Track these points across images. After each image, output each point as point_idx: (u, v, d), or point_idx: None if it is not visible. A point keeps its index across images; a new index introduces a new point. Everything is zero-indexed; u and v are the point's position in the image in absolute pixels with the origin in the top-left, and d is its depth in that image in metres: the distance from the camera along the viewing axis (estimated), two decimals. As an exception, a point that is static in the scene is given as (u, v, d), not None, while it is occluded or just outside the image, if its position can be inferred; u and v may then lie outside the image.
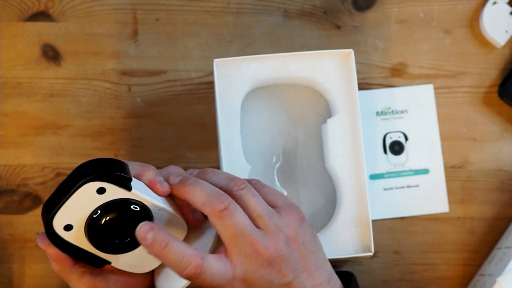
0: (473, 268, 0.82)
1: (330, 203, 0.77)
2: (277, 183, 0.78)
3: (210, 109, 0.82)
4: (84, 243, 0.61)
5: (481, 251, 0.82)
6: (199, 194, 0.61)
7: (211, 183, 0.62)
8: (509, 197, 0.83)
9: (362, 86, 0.83)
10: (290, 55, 0.74)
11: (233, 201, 0.61)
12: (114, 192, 0.60)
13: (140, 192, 0.61)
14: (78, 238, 0.61)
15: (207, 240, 0.65)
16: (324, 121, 0.75)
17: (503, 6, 0.83)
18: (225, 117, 0.73)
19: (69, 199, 0.59)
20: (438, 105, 0.83)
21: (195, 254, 0.59)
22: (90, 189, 0.59)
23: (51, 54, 0.82)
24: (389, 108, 0.83)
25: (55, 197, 0.60)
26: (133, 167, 0.63)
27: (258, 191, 0.64)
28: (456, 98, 0.84)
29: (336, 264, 0.79)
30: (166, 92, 0.82)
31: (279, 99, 0.78)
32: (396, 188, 0.82)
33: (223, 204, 0.60)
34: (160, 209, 0.62)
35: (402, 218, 0.82)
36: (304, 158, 0.78)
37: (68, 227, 0.61)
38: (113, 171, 0.60)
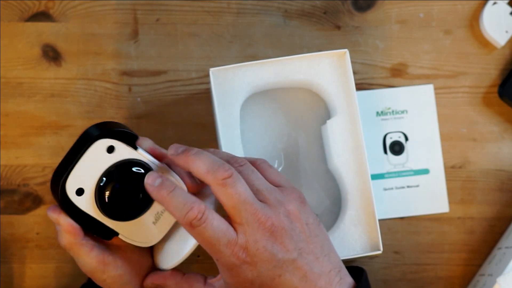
0: (473, 268, 0.82)
1: (335, 204, 0.77)
2: (281, 187, 0.78)
3: (210, 109, 0.82)
4: (93, 211, 0.62)
5: (481, 251, 0.82)
6: (203, 163, 0.61)
7: None
8: (509, 197, 0.83)
9: (362, 86, 0.83)
10: (286, 59, 0.74)
11: (236, 171, 0.61)
12: (122, 151, 0.62)
13: (145, 153, 0.63)
14: (88, 204, 0.62)
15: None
16: (324, 123, 0.75)
17: (503, 6, 0.83)
18: (225, 125, 0.73)
19: (81, 160, 0.61)
20: (438, 105, 0.83)
21: (198, 201, 0.60)
22: (101, 147, 0.61)
23: (52, 54, 0.82)
24: (389, 108, 0.83)
25: (65, 161, 0.62)
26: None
27: (264, 170, 0.64)
28: (456, 98, 0.84)
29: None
30: (166, 92, 0.82)
31: (278, 103, 0.78)
32: (396, 188, 0.82)
33: (227, 173, 0.60)
34: (161, 171, 0.63)
35: (402, 218, 0.82)
36: (306, 160, 0.78)
37: (80, 191, 0.62)
38: (120, 128, 0.62)
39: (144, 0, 0.83)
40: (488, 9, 0.83)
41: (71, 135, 0.82)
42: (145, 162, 0.63)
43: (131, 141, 0.62)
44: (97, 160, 0.61)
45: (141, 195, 0.63)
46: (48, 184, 0.81)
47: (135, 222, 0.64)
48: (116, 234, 0.64)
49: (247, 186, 0.61)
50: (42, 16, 0.82)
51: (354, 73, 0.80)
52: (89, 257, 0.64)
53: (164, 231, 0.66)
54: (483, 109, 0.84)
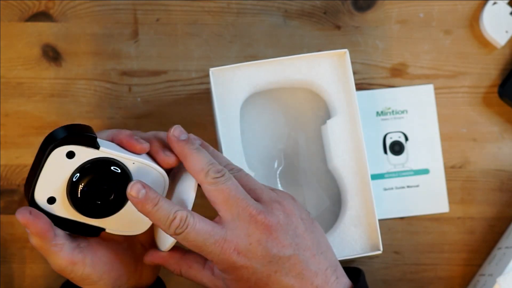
0: (473, 268, 0.82)
1: (335, 204, 0.77)
2: (280, 187, 0.78)
3: (210, 109, 0.82)
4: (72, 213, 0.62)
5: (481, 251, 0.82)
6: (199, 161, 0.61)
7: None
8: (509, 197, 0.83)
9: (362, 86, 0.83)
10: (286, 59, 0.74)
11: (228, 173, 0.61)
12: (84, 154, 0.61)
13: (110, 149, 0.62)
14: (64, 209, 0.62)
15: (187, 193, 0.65)
16: (324, 123, 0.75)
17: (503, 6, 0.83)
18: (225, 125, 0.73)
19: (43, 170, 0.60)
20: (438, 105, 0.83)
21: (181, 209, 0.60)
22: (59, 155, 0.60)
23: (52, 54, 0.82)
24: (389, 108, 0.83)
25: (31, 173, 0.62)
26: (103, 132, 0.65)
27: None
28: (456, 98, 0.84)
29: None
30: (167, 92, 0.82)
31: (278, 103, 0.78)
32: (396, 188, 0.82)
33: (220, 173, 0.61)
34: (134, 162, 0.63)
35: (402, 218, 0.82)
36: (306, 160, 0.78)
37: (51, 200, 0.61)
38: (76, 132, 0.61)
39: (144, 0, 0.83)
40: (488, 9, 0.83)
41: (71, 135, 0.82)
42: (109, 159, 0.62)
43: (90, 142, 0.62)
44: (59, 168, 0.61)
45: (116, 188, 0.62)
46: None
47: (119, 214, 0.63)
48: (103, 229, 0.64)
49: (239, 185, 0.61)
50: (42, 16, 0.82)
51: (354, 73, 0.80)
52: (58, 257, 0.63)
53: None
54: (483, 109, 0.84)
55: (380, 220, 0.81)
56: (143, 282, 0.69)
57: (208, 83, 0.81)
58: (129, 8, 0.83)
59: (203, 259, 0.65)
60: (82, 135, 0.61)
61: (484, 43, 0.84)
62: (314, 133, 0.78)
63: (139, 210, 0.61)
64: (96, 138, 0.61)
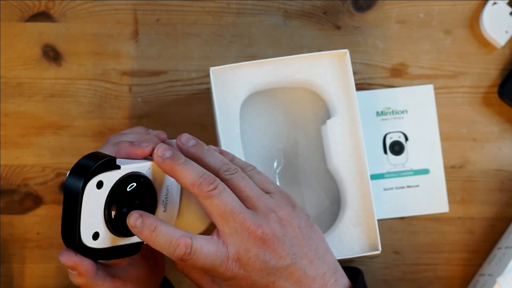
0: (473, 268, 0.82)
1: (335, 204, 0.77)
2: (280, 187, 0.78)
3: (210, 109, 0.82)
4: (114, 240, 0.63)
5: (481, 251, 0.82)
6: (189, 174, 0.61)
7: (204, 162, 0.63)
8: (509, 197, 0.83)
9: (362, 86, 0.83)
10: (286, 59, 0.74)
11: (222, 183, 0.61)
12: (110, 178, 0.61)
13: (128, 164, 0.62)
14: (107, 239, 0.62)
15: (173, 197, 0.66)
16: (324, 123, 0.75)
17: (503, 6, 0.83)
18: (225, 125, 0.73)
19: (82, 211, 0.60)
20: (438, 105, 0.83)
21: (183, 234, 0.60)
22: (91, 189, 0.60)
23: (52, 55, 0.82)
24: (389, 108, 0.83)
25: (67, 219, 0.61)
26: (108, 149, 0.65)
27: (252, 177, 0.64)
28: (456, 98, 0.84)
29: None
30: (167, 92, 0.82)
31: (278, 103, 0.78)
32: (396, 188, 0.82)
33: (212, 185, 0.60)
34: (149, 167, 0.63)
35: (402, 218, 0.82)
36: (305, 160, 0.78)
37: (95, 236, 0.62)
38: (97, 162, 0.61)
39: (144, 0, 0.83)
40: (488, 9, 0.83)
41: (72, 135, 0.82)
42: (133, 173, 0.62)
43: (111, 164, 0.62)
44: (93, 202, 0.61)
45: (144, 204, 0.63)
46: (48, 184, 0.81)
47: None
48: (142, 243, 0.64)
49: (234, 196, 0.61)
50: (42, 16, 0.82)
51: (354, 73, 0.80)
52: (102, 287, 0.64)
53: (176, 210, 0.66)
54: (483, 109, 0.84)
55: (380, 220, 0.81)
56: (157, 283, 0.69)
57: (208, 83, 0.81)
58: (129, 8, 0.83)
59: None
60: (103, 162, 0.61)
61: (484, 43, 0.84)
62: (314, 133, 0.78)
63: (139, 238, 0.61)
64: (115, 159, 0.62)
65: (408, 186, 0.82)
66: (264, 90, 0.76)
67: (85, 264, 0.62)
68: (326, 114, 0.77)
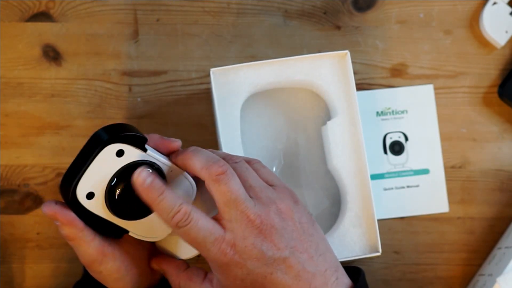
0: (473, 268, 0.82)
1: (335, 205, 0.77)
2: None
3: (210, 109, 0.82)
4: (104, 212, 0.63)
5: (481, 251, 0.82)
6: (199, 159, 0.62)
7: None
8: (509, 197, 0.83)
9: (362, 86, 0.83)
10: (287, 60, 0.74)
11: (231, 168, 0.62)
12: (132, 154, 0.62)
13: (154, 153, 0.63)
14: (98, 207, 0.62)
15: (209, 205, 0.66)
16: (324, 123, 0.75)
17: (503, 6, 0.83)
18: (225, 126, 0.73)
19: (91, 165, 0.60)
20: (438, 105, 0.83)
21: (184, 202, 0.60)
22: (110, 152, 0.61)
23: (52, 55, 0.82)
24: (389, 109, 0.83)
25: (75, 165, 0.62)
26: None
27: (257, 170, 0.65)
28: (456, 98, 0.84)
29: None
30: (167, 92, 0.82)
31: (278, 103, 0.78)
32: (396, 188, 0.82)
33: (221, 168, 0.61)
34: (172, 169, 0.64)
35: (402, 218, 0.82)
36: (305, 160, 0.78)
37: (90, 195, 0.61)
38: (129, 132, 0.62)
39: (144, 0, 0.83)
40: (488, 9, 0.83)
41: (72, 135, 0.82)
42: (153, 163, 0.63)
43: (140, 143, 0.62)
44: (106, 165, 0.61)
45: None
46: (49, 184, 0.81)
47: (145, 220, 0.64)
48: (126, 232, 0.64)
49: (240, 184, 0.62)
50: (43, 16, 0.82)
51: (354, 73, 0.80)
52: (89, 247, 0.63)
53: None
54: (483, 109, 0.84)
55: (380, 220, 0.82)
56: (154, 281, 0.69)
57: (208, 83, 0.81)
58: (129, 8, 0.83)
59: (203, 273, 0.65)
60: (135, 135, 0.62)
61: (484, 43, 0.84)
62: (314, 134, 0.78)
63: (143, 199, 0.61)
64: (146, 140, 0.62)
65: (408, 186, 0.82)
66: (265, 91, 0.76)
67: (66, 213, 0.62)
68: (326, 114, 0.77)
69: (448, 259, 0.82)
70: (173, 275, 0.66)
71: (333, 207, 0.77)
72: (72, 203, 0.62)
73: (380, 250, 0.72)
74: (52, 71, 0.82)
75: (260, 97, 0.77)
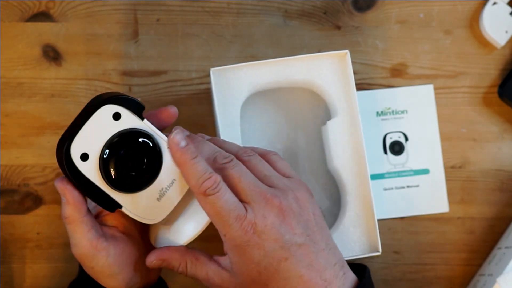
0: (473, 268, 0.82)
1: (335, 204, 0.77)
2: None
3: (210, 109, 0.82)
4: (98, 179, 0.62)
5: (481, 251, 0.82)
6: (206, 150, 0.62)
7: (223, 147, 0.64)
8: (509, 197, 0.83)
9: (362, 86, 0.83)
10: (287, 59, 0.74)
11: (236, 160, 0.62)
12: (128, 120, 0.62)
13: (152, 126, 0.63)
14: (92, 171, 0.62)
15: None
16: (324, 123, 0.75)
17: (503, 6, 0.83)
18: (225, 125, 0.73)
19: (86, 123, 0.61)
20: (438, 105, 0.83)
21: (215, 173, 0.60)
22: (107, 113, 0.61)
23: (52, 55, 0.82)
24: (389, 109, 0.83)
25: (72, 125, 0.62)
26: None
27: (274, 162, 0.65)
28: (456, 98, 0.84)
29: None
30: (167, 92, 0.82)
31: (278, 103, 0.78)
32: (396, 188, 0.82)
33: (226, 159, 0.61)
34: (167, 145, 0.63)
35: (402, 218, 0.82)
36: (305, 160, 0.78)
37: (84, 157, 0.61)
38: (127, 96, 0.62)
39: (144, 0, 0.83)
40: (488, 9, 0.83)
41: (72, 135, 0.82)
42: (151, 134, 0.62)
43: (137, 110, 0.62)
44: (102, 126, 0.61)
45: (144, 166, 0.62)
46: (49, 184, 0.81)
47: (139, 196, 0.63)
48: (119, 206, 0.63)
49: (251, 172, 0.62)
50: (43, 16, 0.82)
51: (354, 73, 0.80)
52: (85, 237, 0.63)
53: (168, 209, 0.65)
54: (483, 109, 0.84)
55: (380, 220, 0.82)
56: (150, 282, 0.69)
57: (208, 83, 0.81)
58: (129, 8, 0.83)
59: (207, 254, 0.64)
60: (132, 100, 0.62)
61: (484, 43, 0.84)
62: (314, 134, 0.78)
63: (175, 160, 0.61)
64: (143, 108, 0.62)
65: (408, 186, 0.82)
66: (265, 91, 0.76)
67: (75, 193, 0.62)
68: (326, 114, 0.77)
69: (448, 259, 0.82)
70: (178, 258, 0.64)
71: (333, 207, 0.77)
72: (66, 163, 0.61)
73: (380, 250, 0.72)
74: (52, 71, 0.82)
75: (260, 97, 0.77)
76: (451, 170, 0.83)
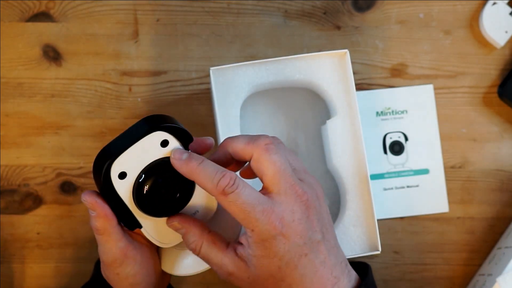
0: (473, 268, 0.82)
1: (334, 204, 0.77)
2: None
3: (210, 109, 0.82)
4: (126, 197, 0.62)
5: (481, 251, 0.82)
6: (241, 137, 0.61)
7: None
8: (509, 197, 0.83)
9: (362, 86, 0.83)
10: (287, 59, 0.74)
11: (278, 143, 0.61)
12: (174, 147, 0.61)
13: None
14: (124, 189, 0.62)
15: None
16: (324, 123, 0.75)
17: (503, 6, 0.83)
18: (225, 125, 0.73)
19: (134, 145, 0.60)
20: (438, 105, 0.83)
21: (229, 170, 0.59)
22: (156, 138, 0.61)
23: (52, 55, 0.82)
24: (389, 109, 0.83)
25: (117, 142, 0.61)
26: None
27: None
28: (456, 98, 0.84)
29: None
30: (167, 92, 0.82)
31: (278, 103, 0.78)
32: (396, 188, 0.82)
33: (268, 139, 0.60)
34: None
35: (402, 218, 0.82)
36: (305, 160, 0.78)
37: (122, 175, 0.61)
38: (180, 127, 0.61)
39: (144, 0, 0.83)
40: (488, 9, 0.83)
41: (72, 135, 0.82)
42: None
43: (186, 141, 0.62)
44: (148, 150, 0.61)
45: (177, 196, 0.62)
46: (49, 184, 0.81)
47: (160, 221, 0.63)
48: (140, 226, 0.63)
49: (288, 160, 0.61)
50: (43, 16, 0.82)
51: (354, 73, 0.80)
52: (116, 246, 0.63)
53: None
54: (483, 109, 0.84)
55: (380, 220, 0.82)
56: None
57: (208, 83, 0.81)
58: (129, 8, 0.83)
59: (225, 240, 0.63)
60: (183, 131, 0.62)
61: (483, 43, 0.84)
62: (314, 133, 0.78)
63: (184, 173, 0.60)
64: (192, 139, 0.62)
65: (408, 186, 0.82)
66: (264, 90, 0.76)
67: (104, 206, 0.62)
68: (326, 114, 0.77)
69: (448, 259, 0.82)
70: (196, 234, 0.62)
71: (333, 207, 0.77)
72: (104, 178, 0.61)
73: (380, 249, 0.72)
74: (52, 71, 0.82)
75: (260, 97, 0.77)
76: (451, 170, 0.83)
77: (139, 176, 0.61)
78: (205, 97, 0.82)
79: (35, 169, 0.81)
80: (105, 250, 0.64)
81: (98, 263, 0.69)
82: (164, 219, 0.63)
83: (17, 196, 0.81)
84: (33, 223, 0.81)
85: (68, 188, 0.81)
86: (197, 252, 0.62)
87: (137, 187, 0.61)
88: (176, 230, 0.63)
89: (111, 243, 0.63)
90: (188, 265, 0.67)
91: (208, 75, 0.73)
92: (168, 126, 0.61)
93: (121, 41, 0.82)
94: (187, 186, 0.62)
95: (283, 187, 0.59)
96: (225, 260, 0.61)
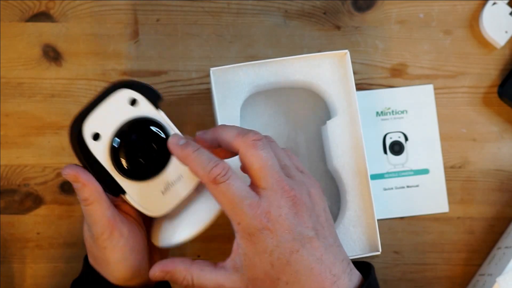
0: (473, 268, 0.82)
1: (335, 204, 0.77)
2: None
3: (210, 109, 0.82)
4: (105, 160, 0.62)
5: (481, 251, 0.82)
6: (233, 129, 0.62)
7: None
8: (509, 197, 0.83)
9: (362, 86, 0.83)
10: (287, 59, 0.74)
11: (266, 141, 0.62)
12: (144, 108, 0.62)
13: (166, 119, 0.63)
14: (101, 153, 0.62)
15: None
16: (324, 123, 0.75)
17: (503, 6, 0.83)
18: None
19: (102, 104, 0.61)
20: (438, 105, 0.83)
21: (222, 160, 0.60)
22: (124, 97, 0.61)
23: (52, 55, 0.82)
24: (389, 109, 0.83)
25: (88, 105, 0.62)
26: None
27: (290, 155, 0.65)
28: (456, 98, 0.84)
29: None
30: (167, 92, 0.82)
31: (278, 103, 0.78)
32: (396, 188, 0.82)
33: (257, 136, 0.61)
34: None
35: (402, 218, 0.82)
36: (305, 160, 0.78)
37: (96, 136, 0.61)
38: (147, 85, 0.62)
39: (144, 0, 0.83)
40: (488, 9, 0.83)
41: (72, 135, 0.82)
42: (164, 126, 0.63)
43: (154, 99, 0.62)
44: (118, 109, 0.61)
45: (154, 155, 0.63)
46: (49, 184, 0.81)
47: (144, 186, 0.63)
48: (123, 192, 0.63)
49: (275, 157, 0.62)
50: (43, 16, 0.82)
51: (354, 73, 0.80)
52: (104, 215, 0.63)
53: (172, 204, 0.64)
54: (483, 109, 0.84)
55: (380, 220, 0.82)
56: (149, 283, 0.69)
57: (208, 83, 0.81)
58: (129, 8, 0.83)
59: (211, 262, 0.63)
60: (151, 89, 0.62)
61: (483, 43, 0.84)
62: (314, 133, 0.78)
63: (179, 158, 0.61)
64: (161, 98, 0.62)
65: (408, 186, 0.82)
66: (265, 91, 0.76)
67: (87, 174, 0.62)
68: (326, 114, 0.77)
69: (448, 259, 0.82)
70: (183, 271, 0.63)
71: (333, 207, 0.77)
72: (78, 141, 0.61)
73: (380, 249, 0.72)
74: (52, 71, 0.82)
75: (260, 97, 0.77)
76: (451, 170, 0.83)
77: (113, 136, 0.61)
78: (205, 97, 0.82)
79: (35, 169, 0.81)
80: (95, 220, 0.63)
81: (87, 257, 0.69)
82: (149, 186, 0.63)
83: (17, 196, 0.81)
84: (33, 223, 0.81)
85: (68, 188, 0.81)
86: (191, 285, 0.62)
87: (113, 147, 0.61)
88: (163, 278, 0.63)
89: (100, 212, 0.63)
90: (176, 234, 0.65)
91: (208, 75, 0.73)
92: (134, 83, 0.62)
93: (121, 41, 0.82)
94: (164, 145, 0.63)
95: (270, 182, 0.60)
96: (220, 279, 0.61)
